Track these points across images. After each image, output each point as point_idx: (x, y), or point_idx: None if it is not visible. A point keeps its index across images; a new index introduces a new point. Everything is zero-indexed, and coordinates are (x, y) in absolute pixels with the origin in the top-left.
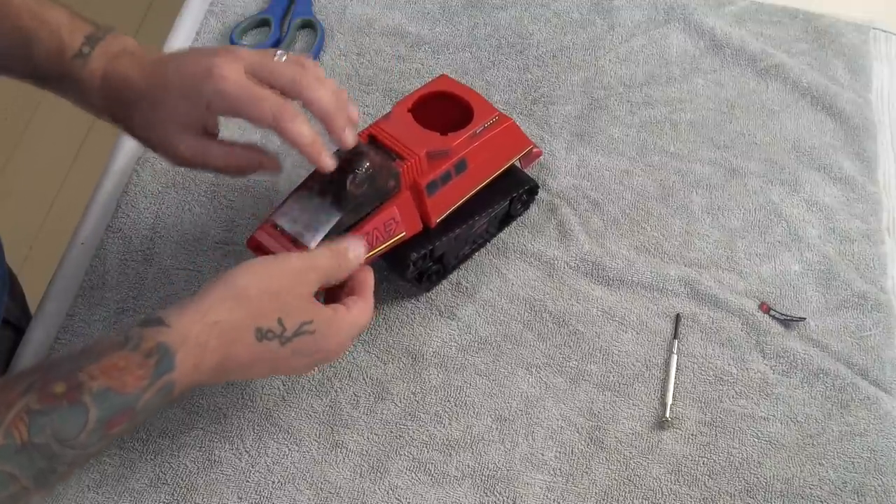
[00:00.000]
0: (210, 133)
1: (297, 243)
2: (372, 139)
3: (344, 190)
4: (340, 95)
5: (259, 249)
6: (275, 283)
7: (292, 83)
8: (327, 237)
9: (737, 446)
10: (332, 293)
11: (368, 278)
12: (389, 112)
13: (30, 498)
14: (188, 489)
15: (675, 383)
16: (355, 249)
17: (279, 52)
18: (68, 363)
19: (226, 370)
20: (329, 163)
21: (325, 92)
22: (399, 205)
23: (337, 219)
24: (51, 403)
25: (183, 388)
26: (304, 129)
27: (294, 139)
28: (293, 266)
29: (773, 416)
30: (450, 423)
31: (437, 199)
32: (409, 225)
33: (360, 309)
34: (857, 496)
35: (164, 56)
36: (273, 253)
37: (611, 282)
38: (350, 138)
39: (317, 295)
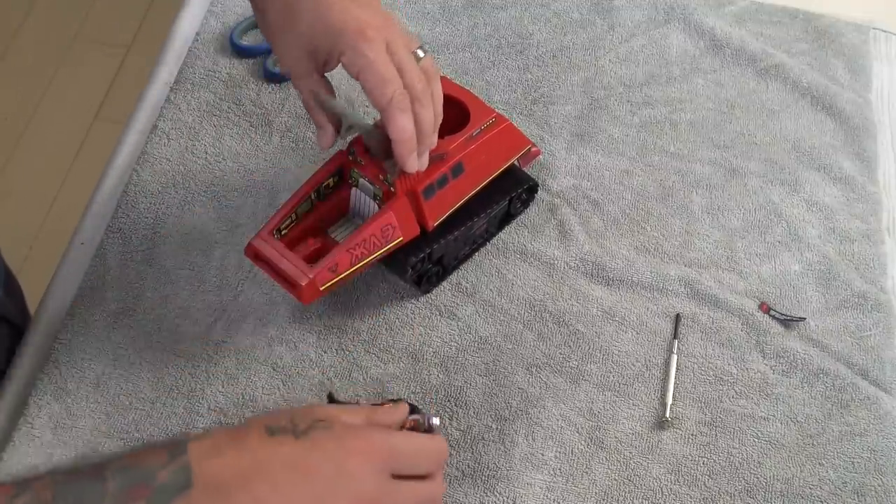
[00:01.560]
0: (321, 66)
1: (293, 249)
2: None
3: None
4: (437, 120)
5: (256, 257)
6: None
7: (411, 89)
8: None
9: (737, 446)
10: None
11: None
12: None
13: None
14: None
15: (675, 383)
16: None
17: (422, 48)
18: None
19: (244, 468)
20: (414, 166)
21: (428, 114)
22: (395, 210)
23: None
24: (74, 477)
25: (202, 475)
26: (409, 125)
27: (395, 130)
28: None
29: (773, 416)
30: (450, 423)
31: (433, 203)
32: (407, 230)
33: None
34: (857, 496)
35: None
36: (270, 260)
37: (611, 282)
38: (412, 166)
39: None
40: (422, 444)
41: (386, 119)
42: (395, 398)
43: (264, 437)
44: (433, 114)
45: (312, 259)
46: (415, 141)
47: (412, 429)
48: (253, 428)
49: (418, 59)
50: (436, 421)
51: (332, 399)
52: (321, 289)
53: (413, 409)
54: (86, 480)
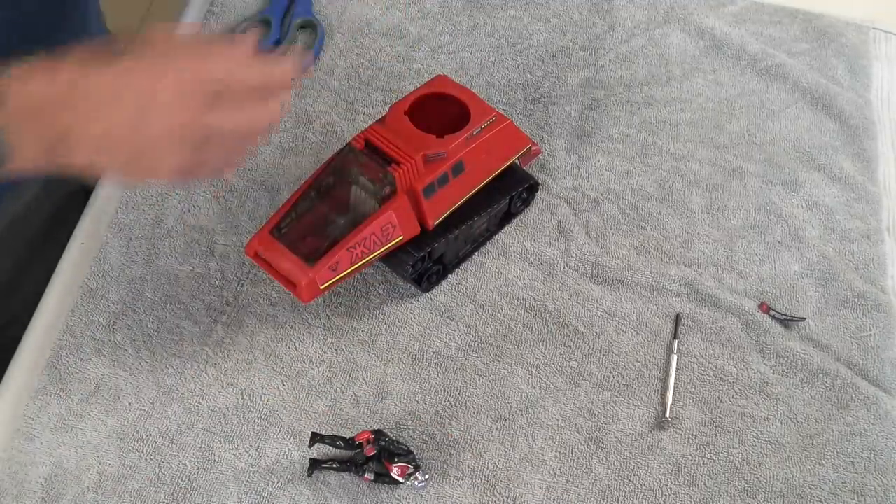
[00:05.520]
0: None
1: (293, 249)
2: (368, 144)
3: (342, 196)
4: None
5: (257, 256)
6: None
7: None
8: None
9: (737, 446)
10: None
11: None
12: (385, 115)
13: None
14: (188, 489)
15: (675, 383)
16: None
17: None
18: None
19: (56, 94)
20: None
21: None
22: (396, 209)
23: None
24: None
25: (15, 97)
26: None
27: None
28: None
29: (773, 416)
30: (450, 423)
31: (434, 202)
32: (407, 228)
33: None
34: (857, 496)
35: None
36: (270, 259)
37: (611, 282)
38: None
39: None
40: (242, 67)
41: None
42: (390, 442)
43: (81, 64)
44: None
45: (312, 258)
46: None
47: (401, 473)
48: (73, 53)
49: None
50: (420, 476)
51: (315, 438)
52: (321, 288)
53: (406, 452)
54: None
